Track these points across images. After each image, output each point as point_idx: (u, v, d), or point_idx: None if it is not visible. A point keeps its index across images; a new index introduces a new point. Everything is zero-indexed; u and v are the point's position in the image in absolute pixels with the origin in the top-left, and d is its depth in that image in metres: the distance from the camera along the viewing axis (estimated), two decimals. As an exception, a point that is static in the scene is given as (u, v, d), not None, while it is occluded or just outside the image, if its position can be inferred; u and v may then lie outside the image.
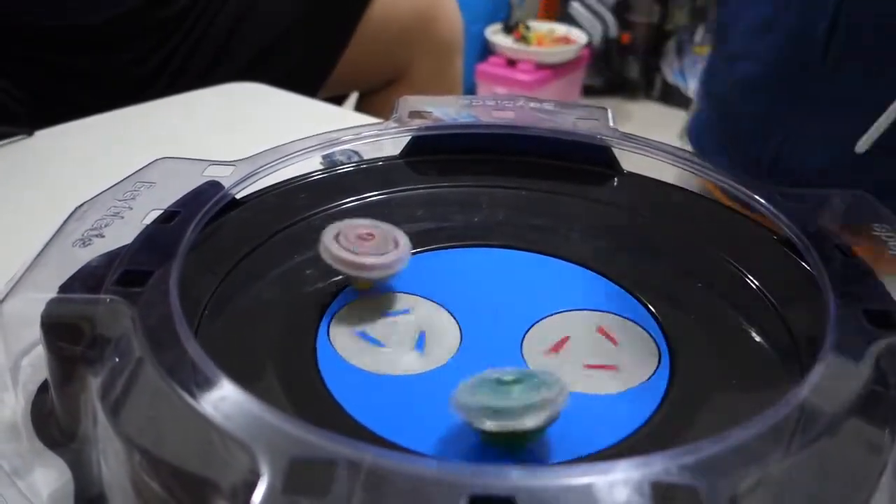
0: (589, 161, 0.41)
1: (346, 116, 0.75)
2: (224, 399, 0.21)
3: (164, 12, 0.80)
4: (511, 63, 2.05)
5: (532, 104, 0.44)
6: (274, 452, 0.19)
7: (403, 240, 0.33)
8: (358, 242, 0.31)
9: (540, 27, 2.14)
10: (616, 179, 0.41)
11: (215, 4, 0.82)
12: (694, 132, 0.65)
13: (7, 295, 0.26)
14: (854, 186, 0.53)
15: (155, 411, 0.23)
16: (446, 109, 0.46)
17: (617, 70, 2.19)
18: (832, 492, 0.20)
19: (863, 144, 0.50)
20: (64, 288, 0.28)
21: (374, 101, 0.94)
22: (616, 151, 0.41)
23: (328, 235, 0.32)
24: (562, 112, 0.43)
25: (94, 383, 0.25)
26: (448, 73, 0.92)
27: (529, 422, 0.22)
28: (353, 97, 1.00)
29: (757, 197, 0.33)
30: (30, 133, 0.59)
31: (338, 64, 0.86)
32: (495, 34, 2.10)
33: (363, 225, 0.33)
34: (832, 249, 0.29)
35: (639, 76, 2.19)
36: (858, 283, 0.27)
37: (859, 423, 0.22)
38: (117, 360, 0.25)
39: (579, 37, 2.13)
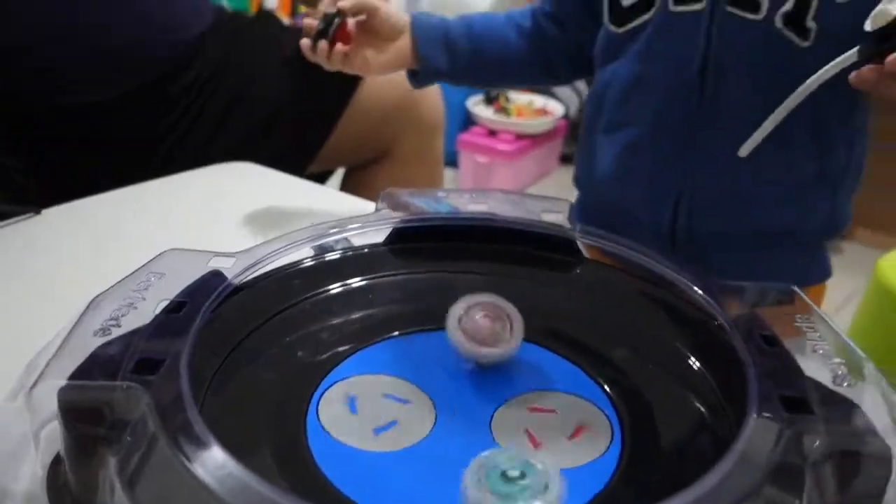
0: (554, 250, 0.46)
1: (331, 197, 0.79)
2: (225, 473, 0.25)
3: (169, 89, 0.85)
4: (492, 133, 2.13)
5: (503, 196, 0.49)
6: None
7: (518, 324, 0.37)
8: (479, 329, 0.36)
9: (519, 99, 2.23)
10: (578, 268, 0.46)
11: (212, 85, 0.88)
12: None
13: (37, 381, 0.30)
14: (756, 213, 0.58)
15: (165, 483, 0.27)
16: (427, 200, 0.50)
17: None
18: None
19: (744, 149, 0.54)
20: (81, 373, 0.31)
21: (360, 176, 0.99)
22: (580, 242, 0.46)
23: (453, 320, 0.37)
24: (530, 204, 0.48)
25: (112, 460, 0.29)
26: (430, 151, 0.98)
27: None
28: (341, 169, 1.05)
29: (698, 290, 0.37)
30: (37, 212, 0.63)
31: (326, 142, 0.91)
32: (476, 105, 2.18)
33: (485, 305, 0.37)
34: (759, 339, 0.34)
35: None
36: (778, 371, 0.31)
37: (774, 491, 0.26)
38: (133, 439, 0.28)
39: (556, 108, 2.23)
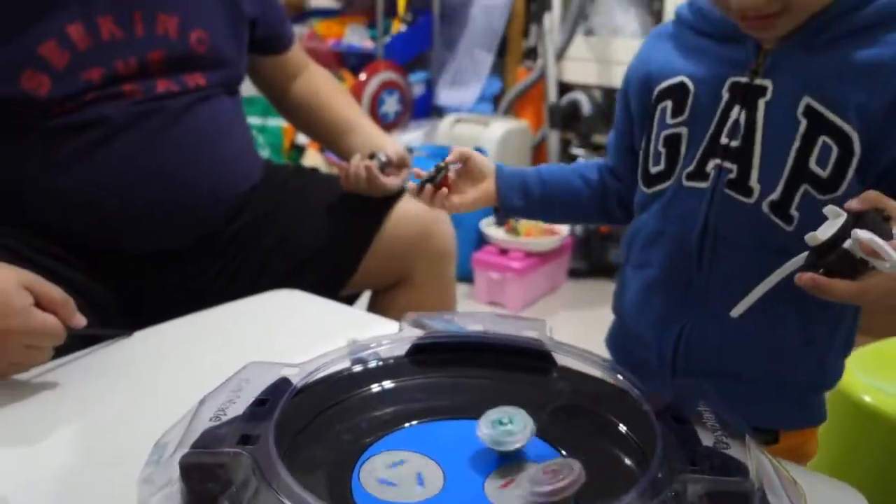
0: (534, 360, 0.60)
1: (361, 317, 0.95)
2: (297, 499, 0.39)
3: (220, 238, 1.03)
4: (503, 252, 2.31)
5: (496, 317, 0.65)
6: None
7: (578, 468, 0.45)
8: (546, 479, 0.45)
9: (528, 220, 2.43)
10: (554, 372, 0.60)
11: (258, 232, 1.06)
12: (609, 341, 0.78)
13: (174, 451, 0.45)
14: (744, 361, 0.67)
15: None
16: (439, 321, 0.66)
17: (598, 255, 2.45)
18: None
19: (737, 311, 0.61)
20: (200, 445, 0.46)
21: (384, 298, 1.15)
22: (554, 354, 0.60)
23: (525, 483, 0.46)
24: (516, 324, 0.63)
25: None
26: (443, 276, 1.14)
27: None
28: (367, 292, 1.21)
29: (636, 389, 0.52)
30: (129, 334, 0.79)
31: (357, 271, 1.09)
32: (488, 227, 2.38)
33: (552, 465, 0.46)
34: (671, 420, 0.48)
35: (618, 260, 2.44)
36: (678, 437, 0.45)
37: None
38: (240, 491, 0.43)
39: (563, 228, 2.41)
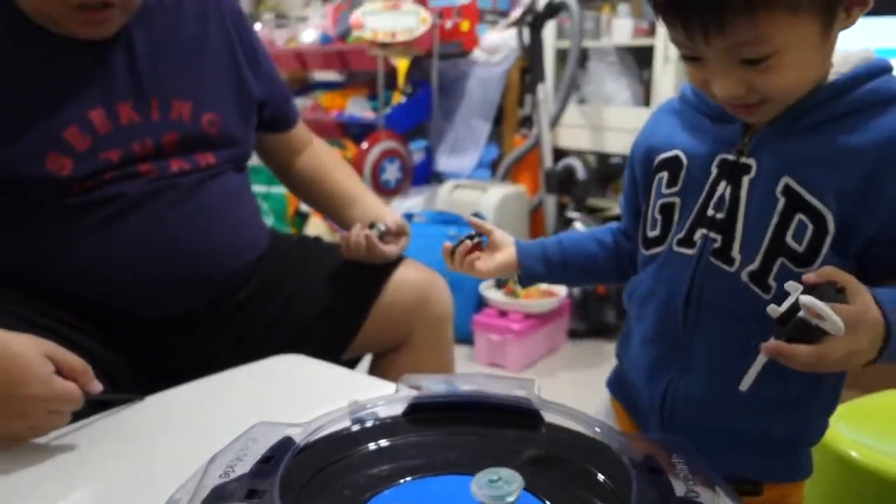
0: (522, 417, 0.64)
1: (362, 381, 0.99)
2: None
3: (226, 306, 1.08)
4: (503, 314, 2.35)
5: (487, 378, 0.69)
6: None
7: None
8: None
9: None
10: (541, 428, 0.64)
11: (263, 299, 1.11)
12: (611, 382, 0.84)
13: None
14: (727, 416, 0.70)
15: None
16: (434, 383, 0.70)
17: (595, 316, 2.49)
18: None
19: (745, 384, 0.62)
20: (207, 500, 0.50)
21: (385, 361, 1.19)
22: (542, 412, 0.64)
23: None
24: (507, 383, 0.68)
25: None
26: (442, 340, 1.18)
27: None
28: (369, 356, 1.25)
29: (616, 443, 0.56)
30: (141, 399, 0.83)
31: (358, 335, 1.13)
32: (488, 290, 2.42)
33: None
34: (645, 470, 0.51)
35: (615, 320, 2.48)
36: (654, 487, 0.49)
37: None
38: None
39: (561, 290, 2.46)
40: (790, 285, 0.58)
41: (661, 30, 2.34)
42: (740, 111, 0.66)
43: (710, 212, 0.69)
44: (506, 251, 0.83)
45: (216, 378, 0.90)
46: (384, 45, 2.81)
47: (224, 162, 1.08)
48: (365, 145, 2.83)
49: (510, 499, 0.53)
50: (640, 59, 2.71)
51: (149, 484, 0.59)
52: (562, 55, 2.79)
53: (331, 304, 1.13)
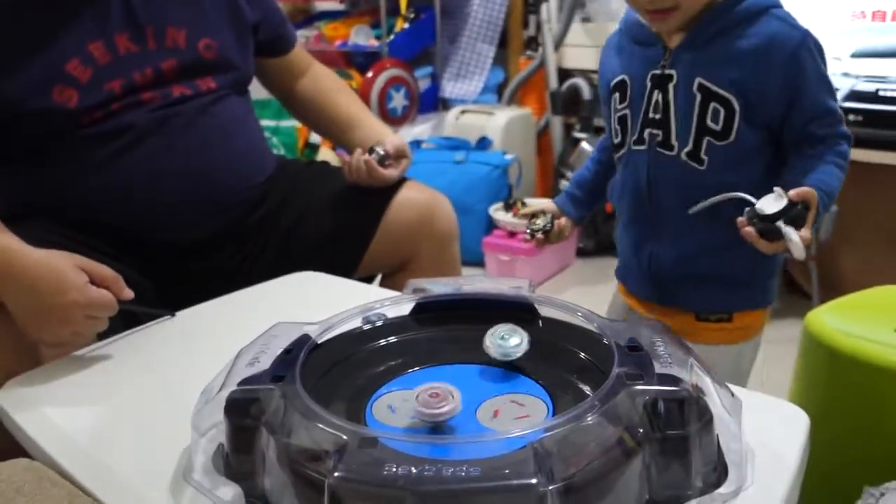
0: (520, 311, 0.70)
1: (373, 291, 1.06)
2: (325, 423, 0.49)
3: (244, 226, 1.13)
4: (511, 234, 2.40)
5: (486, 279, 0.74)
6: (339, 434, 0.47)
7: (458, 395, 0.55)
8: (430, 400, 0.54)
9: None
10: (539, 321, 0.70)
11: (276, 218, 1.16)
12: (617, 271, 1.10)
13: (221, 388, 0.55)
14: (697, 263, 0.96)
15: (293, 430, 0.51)
16: (438, 286, 0.75)
17: (603, 233, 2.53)
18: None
19: (693, 210, 0.88)
20: (243, 382, 0.56)
21: (392, 279, 1.24)
22: (537, 306, 0.70)
23: (417, 398, 0.54)
24: (503, 283, 0.73)
25: (263, 431, 0.53)
26: (446, 257, 1.23)
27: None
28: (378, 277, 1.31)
29: (595, 323, 0.61)
30: (173, 314, 0.90)
31: (365, 255, 1.18)
32: (497, 211, 2.47)
33: (433, 388, 0.55)
34: (625, 349, 0.57)
35: (625, 239, 2.54)
36: (632, 361, 0.55)
37: (618, 413, 0.50)
38: (273, 417, 0.53)
39: (570, 209, 2.50)
40: (777, 190, 0.79)
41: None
42: (657, 18, 0.87)
43: (651, 114, 0.92)
44: (562, 219, 1.08)
45: (240, 294, 0.96)
46: (385, -30, 2.77)
47: (225, 86, 1.12)
48: (370, 74, 2.83)
49: (518, 354, 0.62)
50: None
51: (185, 383, 0.66)
52: (565, -28, 2.74)
53: (338, 224, 1.18)
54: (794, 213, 0.79)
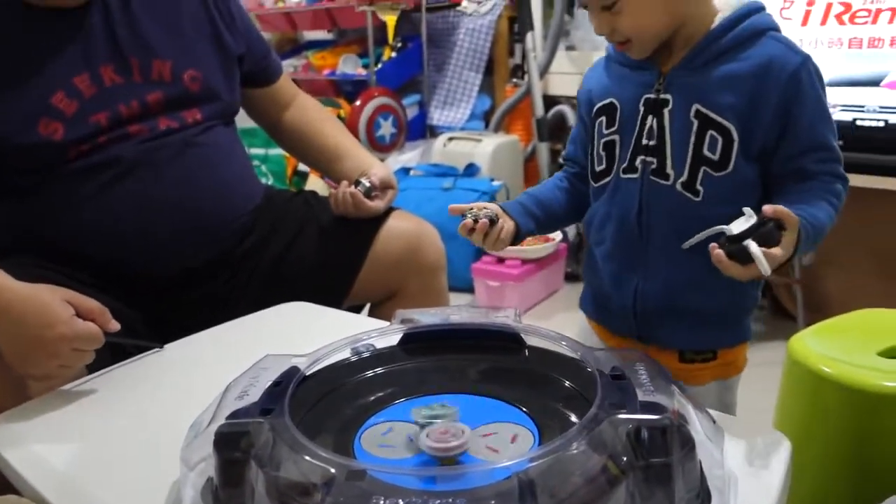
0: (506, 341, 0.71)
1: (361, 321, 1.06)
2: (314, 459, 0.50)
3: (233, 255, 1.14)
4: (500, 260, 2.42)
5: (473, 309, 0.75)
6: (327, 467, 0.47)
7: (467, 432, 0.56)
8: (442, 437, 0.55)
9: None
10: (525, 351, 0.71)
11: (264, 249, 1.17)
12: (583, 303, 1.01)
13: (210, 423, 0.56)
14: (683, 299, 0.88)
15: (282, 463, 0.51)
16: (426, 316, 0.76)
17: (593, 260, 2.56)
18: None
19: (687, 244, 0.82)
20: (232, 416, 0.57)
21: (380, 309, 1.25)
22: (522, 335, 0.71)
23: (424, 437, 0.55)
24: (490, 313, 0.74)
25: (252, 464, 0.53)
26: (434, 287, 1.24)
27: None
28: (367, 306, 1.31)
29: (580, 355, 0.62)
30: (161, 347, 0.90)
31: (353, 285, 1.19)
32: (486, 238, 2.49)
33: (445, 427, 0.57)
34: (609, 378, 0.58)
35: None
36: (615, 390, 0.56)
37: (599, 441, 0.51)
38: (262, 450, 0.53)
39: (557, 234, 2.52)
40: (747, 210, 0.74)
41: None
42: (620, 49, 0.85)
43: (645, 141, 0.86)
44: (507, 223, 0.93)
45: (228, 326, 0.97)
46: (372, 1, 2.81)
47: (211, 117, 1.13)
48: (358, 103, 2.86)
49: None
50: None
51: (173, 417, 0.66)
52: (549, 2, 2.79)
53: (327, 254, 1.19)
54: (764, 231, 0.73)
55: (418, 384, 0.68)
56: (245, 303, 1.12)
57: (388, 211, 1.22)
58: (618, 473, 0.50)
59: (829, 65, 2.03)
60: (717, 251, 0.74)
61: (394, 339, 0.73)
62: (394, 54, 3.01)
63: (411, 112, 3.06)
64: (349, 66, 3.08)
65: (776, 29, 0.84)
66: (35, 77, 1.00)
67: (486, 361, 0.70)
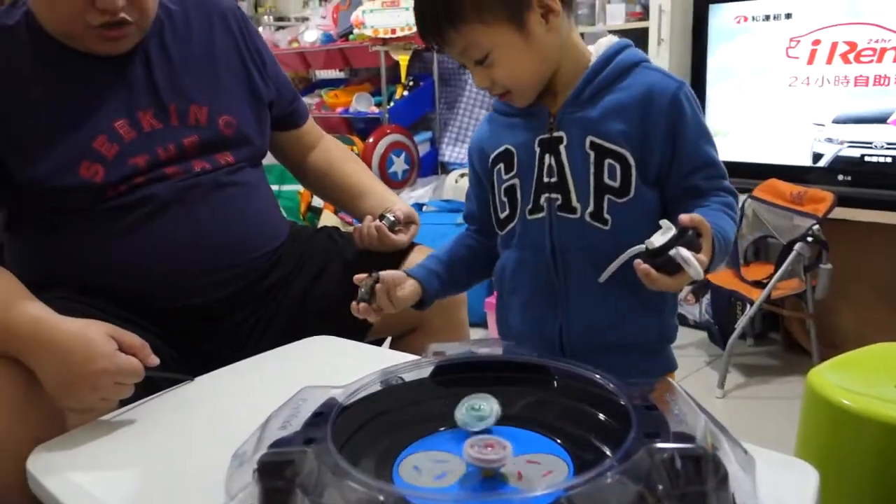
0: (533, 372, 0.73)
1: (386, 354, 1.08)
2: (358, 484, 0.51)
3: (258, 289, 1.17)
4: (513, 295, 2.44)
5: (501, 342, 0.77)
6: (373, 493, 0.49)
7: (509, 447, 0.58)
8: (484, 449, 0.58)
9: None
10: (552, 381, 0.72)
11: (289, 283, 1.20)
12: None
13: (255, 450, 0.57)
14: (607, 333, 0.90)
15: (326, 490, 0.53)
16: (455, 349, 0.78)
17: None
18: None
19: (602, 277, 0.85)
20: (271, 447, 0.59)
21: (402, 342, 1.28)
22: (551, 367, 0.73)
23: (468, 447, 0.58)
24: (516, 346, 0.76)
25: (297, 492, 0.55)
26: (455, 320, 1.27)
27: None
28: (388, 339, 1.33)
29: (611, 384, 0.64)
30: (191, 379, 0.92)
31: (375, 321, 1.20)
32: (498, 273, 2.52)
33: (487, 440, 0.59)
34: (642, 407, 0.60)
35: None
36: (649, 420, 0.57)
37: (637, 469, 0.52)
38: (308, 479, 0.55)
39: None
40: (664, 223, 0.76)
41: (655, 12, 2.41)
42: (504, 100, 0.90)
43: (546, 179, 0.89)
44: (406, 283, 0.97)
45: (256, 359, 0.99)
46: (385, 42, 2.88)
47: (241, 160, 1.16)
48: (371, 140, 2.91)
49: (485, 426, 0.63)
50: (635, 42, 2.77)
51: (213, 446, 0.68)
52: (558, 42, 2.85)
53: (350, 289, 1.21)
54: (687, 239, 0.75)
55: (451, 415, 0.69)
56: (269, 337, 1.14)
57: (410, 246, 1.25)
58: (654, 502, 0.52)
59: (836, 102, 2.07)
60: (643, 266, 0.76)
61: (425, 372, 0.75)
62: (406, 93, 3.08)
63: (423, 149, 3.11)
64: (362, 104, 3.14)
65: (647, 60, 0.90)
66: (79, 122, 1.04)
67: (516, 393, 0.71)
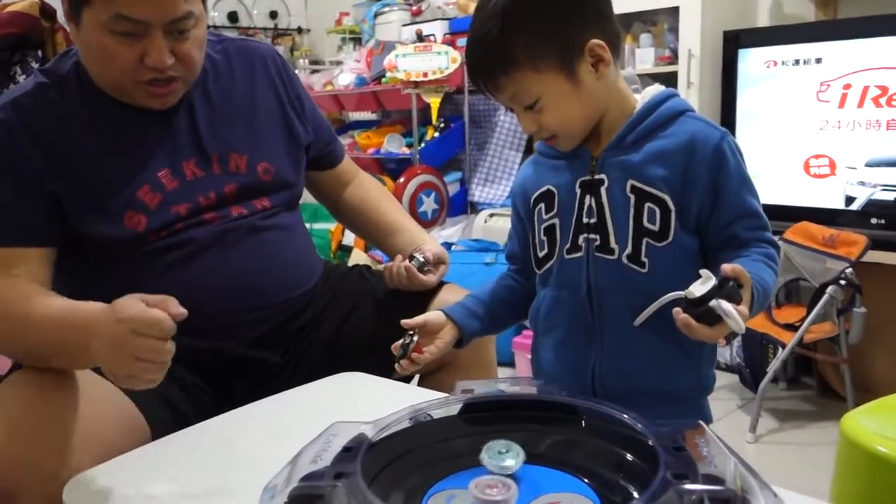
0: (562, 412, 0.73)
1: (416, 391, 1.09)
2: None
3: (290, 328, 1.19)
4: (541, 336, 2.44)
5: (529, 381, 0.78)
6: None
7: (514, 487, 0.59)
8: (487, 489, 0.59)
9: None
10: (582, 421, 0.73)
11: (320, 322, 1.22)
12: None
13: (287, 487, 0.59)
14: (642, 379, 0.89)
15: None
16: (484, 387, 0.79)
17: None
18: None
19: (639, 321, 0.85)
20: (303, 480, 0.60)
21: (431, 379, 1.26)
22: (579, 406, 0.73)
23: (473, 487, 0.59)
24: (544, 385, 0.77)
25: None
26: (483, 359, 1.26)
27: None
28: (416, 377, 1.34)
29: (639, 424, 0.64)
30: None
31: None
32: (526, 312, 2.52)
33: (490, 481, 0.60)
34: (671, 448, 0.60)
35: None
36: (677, 462, 0.58)
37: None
38: (337, 512, 0.56)
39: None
40: (704, 273, 0.76)
41: (684, 57, 2.44)
42: (549, 144, 0.93)
43: (585, 219, 0.91)
44: (445, 329, 0.98)
45: (287, 394, 1.00)
46: (417, 84, 2.95)
47: (278, 204, 1.19)
48: (402, 180, 2.96)
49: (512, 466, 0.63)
50: (664, 85, 2.79)
51: (240, 480, 0.69)
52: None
53: (380, 326, 1.22)
54: (728, 290, 0.75)
55: (479, 453, 0.70)
56: (301, 373, 1.16)
57: (440, 285, 1.26)
58: (682, 543, 0.52)
59: (868, 146, 2.06)
60: (682, 316, 0.76)
61: (454, 409, 0.76)
62: (437, 134, 3.13)
63: (453, 189, 3.15)
64: (394, 144, 3.20)
65: (691, 109, 0.92)
66: (126, 173, 1.07)
67: (544, 432, 0.72)
